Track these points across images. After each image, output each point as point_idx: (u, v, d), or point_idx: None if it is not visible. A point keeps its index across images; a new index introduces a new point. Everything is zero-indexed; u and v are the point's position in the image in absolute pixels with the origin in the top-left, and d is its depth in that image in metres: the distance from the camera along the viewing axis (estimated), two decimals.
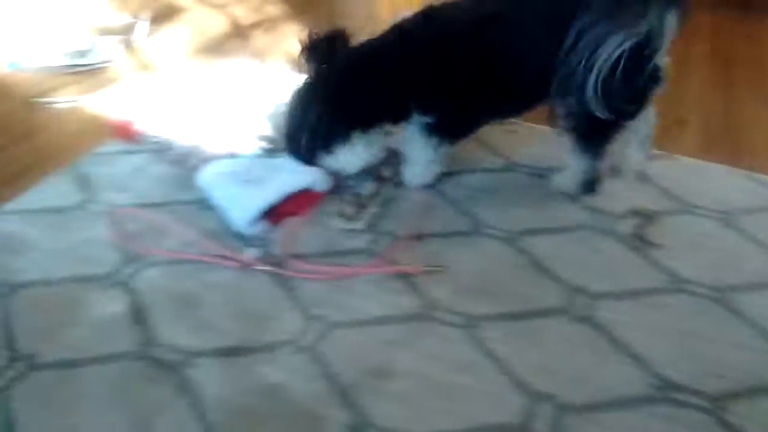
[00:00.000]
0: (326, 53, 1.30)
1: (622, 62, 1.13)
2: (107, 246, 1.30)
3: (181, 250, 1.29)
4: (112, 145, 1.60)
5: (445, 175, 1.50)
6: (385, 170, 1.46)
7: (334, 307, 1.18)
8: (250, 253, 1.27)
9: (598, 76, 1.15)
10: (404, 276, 1.24)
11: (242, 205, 1.31)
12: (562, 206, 1.43)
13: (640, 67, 1.19)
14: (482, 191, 1.46)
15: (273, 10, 2.37)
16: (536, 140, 1.63)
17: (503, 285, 1.23)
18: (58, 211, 1.39)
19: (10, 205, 1.41)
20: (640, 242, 1.33)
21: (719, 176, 1.53)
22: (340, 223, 1.35)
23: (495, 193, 1.46)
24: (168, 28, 2.18)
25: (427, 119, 1.35)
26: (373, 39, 1.33)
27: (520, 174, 1.52)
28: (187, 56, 2.02)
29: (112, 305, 1.18)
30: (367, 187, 1.42)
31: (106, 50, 1.98)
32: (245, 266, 1.24)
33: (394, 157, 1.48)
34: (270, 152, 1.51)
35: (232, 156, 1.49)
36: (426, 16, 1.33)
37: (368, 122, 1.34)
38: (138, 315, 1.16)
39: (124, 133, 1.60)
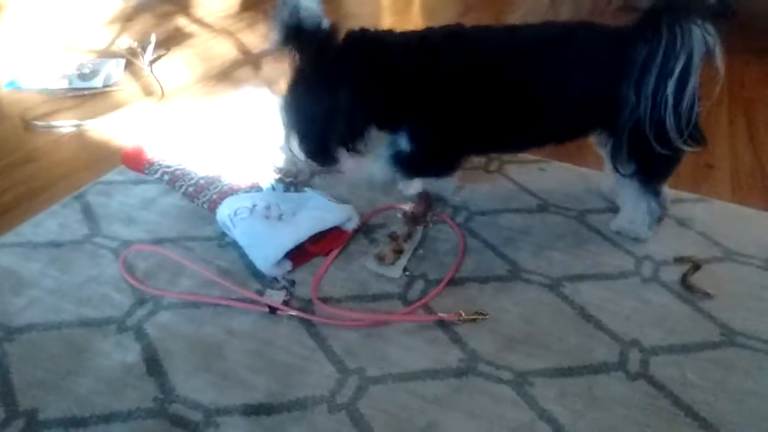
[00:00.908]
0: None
1: (681, 87, 1.11)
2: (116, 286, 1.16)
3: (198, 291, 1.15)
4: (120, 174, 1.46)
5: (478, 215, 1.38)
6: (417, 209, 1.33)
7: (371, 359, 1.05)
8: (274, 297, 1.13)
9: (675, 105, 1.11)
10: (444, 325, 1.11)
11: (266, 244, 1.18)
12: (602, 250, 1.31)
13: (689, 89, 1.12)
14: (518, 232, 1.35)
15: None
16: (567, 179, 1.52)
17: (550, 336, 1.11)
18: (60, 245, 1.25)
19: (7, 237, 1.26)
20: (687, 291, 1.21)
21: (754, 221, 1.43)
22: (375, 266, 1.22)
23: (531, 235, 1.34)
24: (175, 54, 2.05)
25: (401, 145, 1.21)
26: (395, 35, 1.19)
27: (555, 215, 1.41)
28: (194, 83, 1.89)
29: (122, 353, 1.03)
30: (401, 228, 1.29)
31: (110, 74, 1.84)
32: (270, 311, 1.10)
33: (426, 197, 1.36)
34: (287, 185, 1.38)
35: (251, 189, 1.35)
36: (453, 34, 1.20)
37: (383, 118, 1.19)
38: (152, 365, 1.01)
39: (133, 161, 1.46)
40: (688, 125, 1.14)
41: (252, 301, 1.13)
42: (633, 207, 1.32)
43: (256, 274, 1.20)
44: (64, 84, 1.80)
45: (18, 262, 1.20)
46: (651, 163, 1.22)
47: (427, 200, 1.36)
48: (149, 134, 1.57)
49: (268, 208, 1.25)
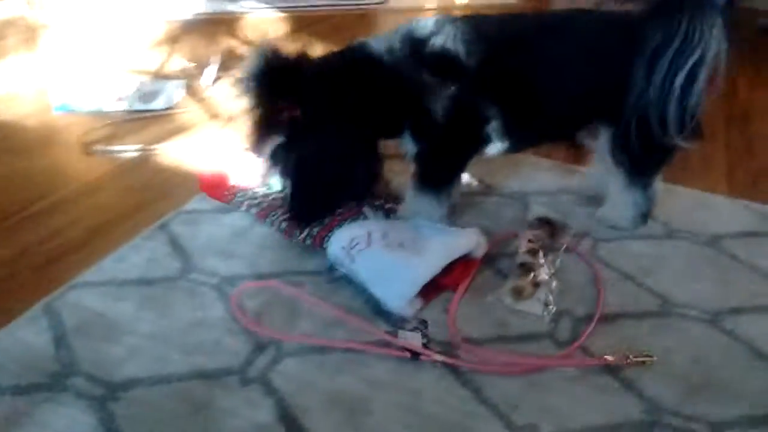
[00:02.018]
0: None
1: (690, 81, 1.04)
2: (227, 328, 0.98)
3: (321, 334, 0.97)
4: (202, 202, 1.28)
5: (604, 242, 1.22)
6: (541, 237, 1.17)
7: (538, 411, 0.88)
8: (411, 339, 0.95)
9: (681, 97, 1.05)
10: (609, 369, 0.94)
11: (397, 277, 1.01)
12: (750, 279, 1.16)
13: (697, 84, 1.05)
14: (653, 262, 1.19)
15: None
16: (682, 202, 1.36)
17: (729, 379, 0.94)
18: (152, 282, 1.07)
19: (88, 275, 1.08)
20: None
21: None
22: (512, 302, 1.05)
23: (668, 265, 1.18)
24: (234, 75, 1.88)
25: (416, 146, 1.13)
26: (378, 40, 1.11)
27: (686, 242, 1.25)
28: None
29: (252, 410, 0.85)
30: (528, 257, 1.12)
31: (171, 95, 1.67)
32: (412, 356, 0.92)
33: (548, 223, 1.20)
34: (385, 211, 1.21)
35: (355, 218, 1.18)
36: (442, 23, 1.10)
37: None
38: (291, 425, 0.83)
39: (213, 188, 1.29)
40: (691, 119, 1.08)
41: (390, 345, 0.95)
42: (619, 198, 1.24)
43: (380, 313, 1.02)
44: (123, 106, 1.63)
45: (106, 304, 1.02)
46: (644, 155, 1.14)
47: (550, 226, 1.20)
48: (224, 159, 1.39)
49: (385, 235, 1.08)
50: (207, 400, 0.86)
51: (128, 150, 1.46)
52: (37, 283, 1.06)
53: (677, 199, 1.36)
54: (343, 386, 0.89)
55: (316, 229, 1.16)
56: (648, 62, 1.04)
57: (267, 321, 1.00)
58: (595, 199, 1.32)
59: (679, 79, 1.03)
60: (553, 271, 1.11)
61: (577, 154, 1.41)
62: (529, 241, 1.15)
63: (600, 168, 1.27)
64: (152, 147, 1.47)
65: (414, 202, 1.19)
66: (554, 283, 1.09)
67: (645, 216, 1.25)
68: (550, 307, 1.05)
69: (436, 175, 1.18)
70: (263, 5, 2.48)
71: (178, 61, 1.93)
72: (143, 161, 1.43)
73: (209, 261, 1.12)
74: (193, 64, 1.85)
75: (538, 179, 1.42)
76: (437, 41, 1.08)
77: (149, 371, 0.90)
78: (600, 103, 1.14)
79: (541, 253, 1.12)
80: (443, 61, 1.08)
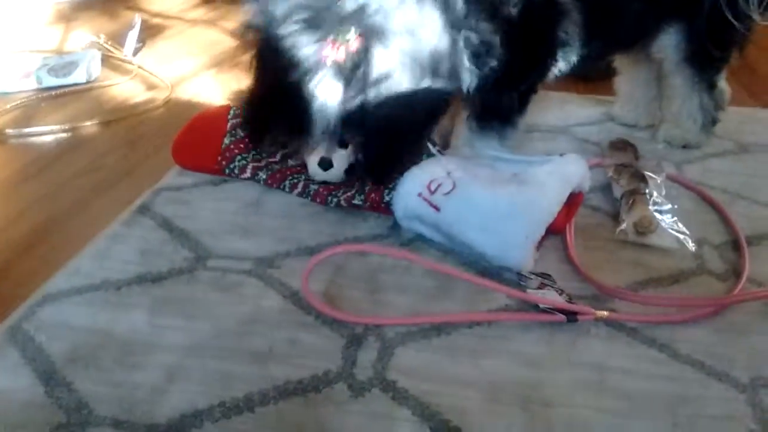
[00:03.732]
0: None
1: None
2: (298, 322, 0.68)
3: (425, 310, 0.70)
4: (184, 176, 0.96)
5: (684, 163, 1.03)
6: (623, 161, 0.95)
7: (754, 361, 0.64)
8: (538, 295, 0.70)
9: None
10: None
11: (513, 219, 0.75)
12: None
13: None
14: (749, 178, 1.01)
15: None
16: (737, 118, 1.19)
17: None
18: (161, 278, 0.75)
19: (60, 281, 0.73)
20: None
21: None
22: (638, 237, 0.82)
23: (765, 178, 1.00)
24: (156, 45, 1.54)
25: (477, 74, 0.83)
26: None
27: (761, 153, 1.08)
28: (201, 70, 1.40)
29: (389, 427, 0.55)
30: (628, 184, 0.90)
31: (89, 67, 1.30)
32: (569, 318, 0.67)
33: (626, 145, 1.00)
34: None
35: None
36: None
37: None
38: None
39: (199, 157, 0.96)
40: None
41: (530, 310, 0.69)
42: (682, 104, 1.07)
43: (486, 273, 0.75)
44: (31, 84, 1.25)
45: (106, 315, 0.68)
46: (720, 40, 1.01)
47: (632, 149, 0.99)
48: (205, 121, 1.05)
49: (466, 172, 0.81)
50: (318, 424, 0.56)
51: (53, 131, 1.10)
52: None
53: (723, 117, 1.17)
54: (495, 373, 0.62)
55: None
56: None
57: (347, 305, 0.70)
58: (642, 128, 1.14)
59: None
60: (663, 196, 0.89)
61: (593, 87, 1.26)
62: (622, 166, 0.93)
63: (636, 96, 1.13)
64: (84, 124, 1.11)
65: (474, 144, 0.92)
66: (674, 209, 0.86)
67: (714, 122, 1.09)
68: (685, 236, 0.82)
69: (505, 106, 0.91)
70: None
71: (83, 36, 1.55)
72: (78, 142, 1.08)
73: (228, 242, 0.80)
74: (103, 37, 1.48)
75: (574, 112, 1.21)
76: None
77: (211, 398, 0.58)
78: None
79: (648, 178, 0.90)
80: None
